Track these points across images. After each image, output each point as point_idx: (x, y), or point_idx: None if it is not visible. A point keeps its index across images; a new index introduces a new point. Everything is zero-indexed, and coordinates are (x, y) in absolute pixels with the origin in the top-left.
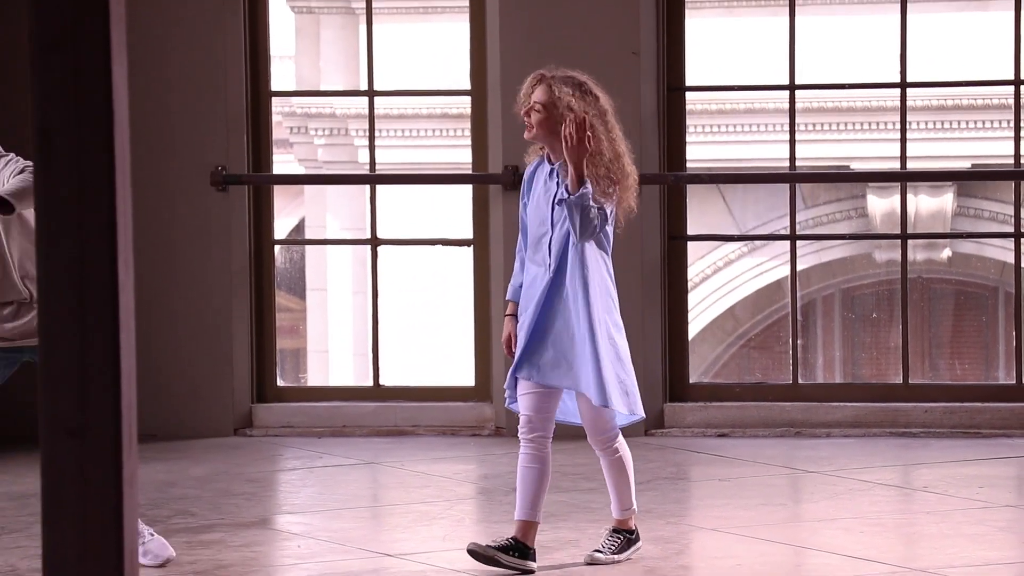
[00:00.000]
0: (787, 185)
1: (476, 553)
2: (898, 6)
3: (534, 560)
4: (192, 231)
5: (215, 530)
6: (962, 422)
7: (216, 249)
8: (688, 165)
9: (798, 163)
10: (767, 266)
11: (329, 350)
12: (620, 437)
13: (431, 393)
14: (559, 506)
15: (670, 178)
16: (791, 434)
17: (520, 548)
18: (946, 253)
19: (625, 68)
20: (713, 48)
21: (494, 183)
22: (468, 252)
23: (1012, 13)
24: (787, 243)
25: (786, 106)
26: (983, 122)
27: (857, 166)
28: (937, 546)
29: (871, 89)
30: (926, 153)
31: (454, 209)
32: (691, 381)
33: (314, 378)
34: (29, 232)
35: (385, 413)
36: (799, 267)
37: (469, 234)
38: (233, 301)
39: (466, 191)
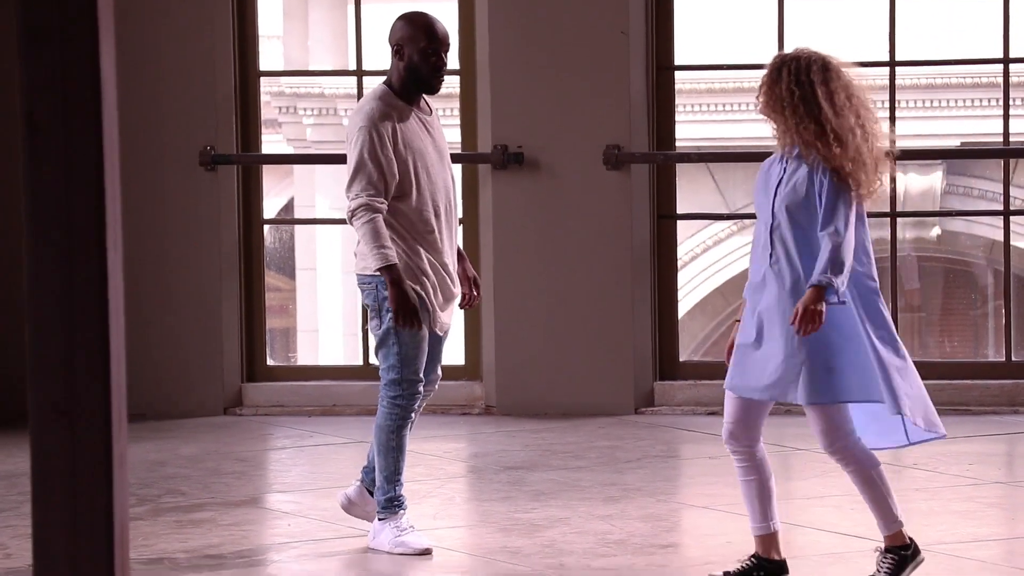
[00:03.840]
0: None
1: None
2: None
3: (787, 572)
4: (181, 212)
5: (206, 509)
6: (952, 399)
7: (205, 229)
8: (677, 144)
9: None
10: None
11: (319, 329)
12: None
13: None
14: (549, 484)
15: (659, 157)
16: (781, 411)
17: (765, 565)
18: (935, 231)
19: (614, 48)
20: (702, 27)
21: (483, 163)
22: (458, 232)
23: None
24: None
25: None
26: (972, 100)
27: None
28: (927, 522)
29: (860, 68)
30: (915, 131)
31: None
32: (681, 359)
33: (304, 357)
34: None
35: (375, 392)
36: None
37: (459, 214)
38: (222, 281)
39: (455, 171)
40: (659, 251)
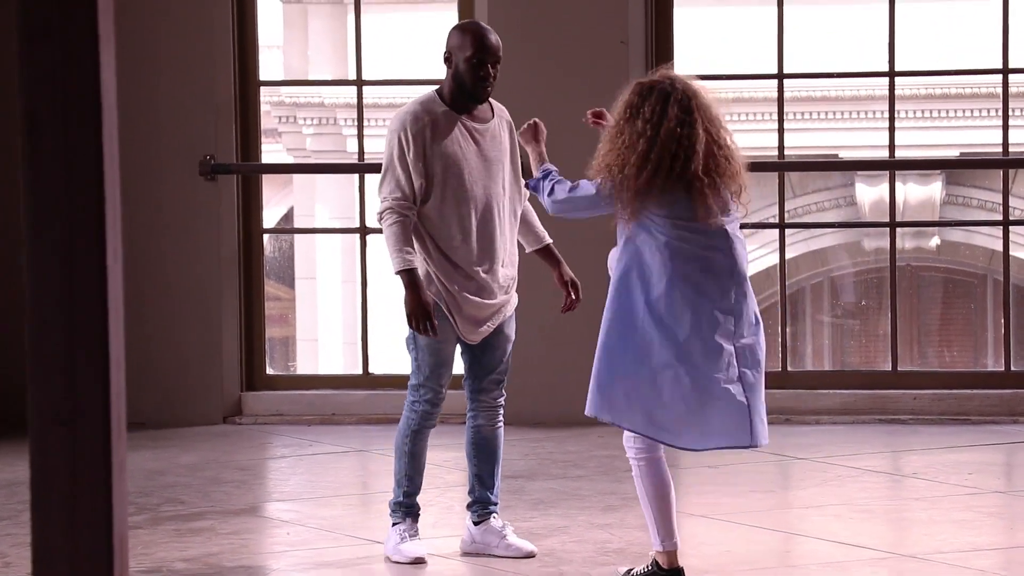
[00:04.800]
0: (776, 174)
1: None
2: None
3: None
4: (181, 220)
5: (205, 518)
6: (951, 409)
7: (205, 238)
8: None
9: (787, 152)
10: (756, 254)
11: (318, 339)
12: (635, 457)
13: None
14: (548, 493)
15: None
16: (780, 421)
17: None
18: (935, 241)
19: (613, 57)
20: (702, 37)
21: None
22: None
23: (1000, 1)
24: (776, 231)
25: (775, 95)
26: (971, 110)
27: (846, 155)
28: (926, 532)
29: (859, 78)
30: (914, 142)
31: None
32: None
33: (303, 366)
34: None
35: (374, 401)
36: (788, 255)
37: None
38: (222, 290)
39: None
40: None
